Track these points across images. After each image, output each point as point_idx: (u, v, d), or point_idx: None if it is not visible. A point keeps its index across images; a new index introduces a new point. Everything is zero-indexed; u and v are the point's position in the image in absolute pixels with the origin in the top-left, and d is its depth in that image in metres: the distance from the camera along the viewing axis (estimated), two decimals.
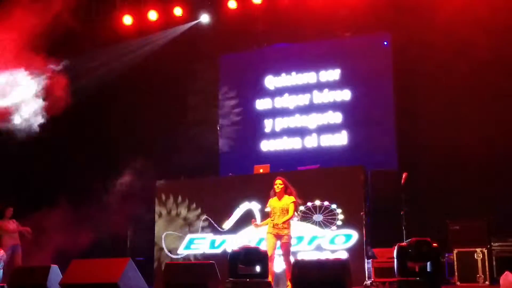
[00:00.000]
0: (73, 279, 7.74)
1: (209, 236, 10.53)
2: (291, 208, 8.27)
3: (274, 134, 12.25)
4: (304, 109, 12.11)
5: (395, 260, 6.85)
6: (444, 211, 9.72)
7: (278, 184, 8.41)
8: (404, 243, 6.97)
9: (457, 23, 10.21)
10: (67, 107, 10.24)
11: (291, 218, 8.28)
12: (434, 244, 6.84)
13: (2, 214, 10.48)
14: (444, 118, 10.64)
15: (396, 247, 6.90)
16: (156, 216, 10.93)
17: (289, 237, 8.31)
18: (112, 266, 7.72)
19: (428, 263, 6.76)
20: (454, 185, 10.16)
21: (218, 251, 10.31)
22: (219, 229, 10.21)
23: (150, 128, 12.31)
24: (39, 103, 10.21)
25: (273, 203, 8.41)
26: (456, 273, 8.84)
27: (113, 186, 11.55)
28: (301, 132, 12.03)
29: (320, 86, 12.04)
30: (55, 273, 8.07)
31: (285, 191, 8.41)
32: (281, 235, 8.26)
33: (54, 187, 11.65)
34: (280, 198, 8.39)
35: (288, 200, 8.33)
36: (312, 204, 10.05)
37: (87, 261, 8.05)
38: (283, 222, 8.23)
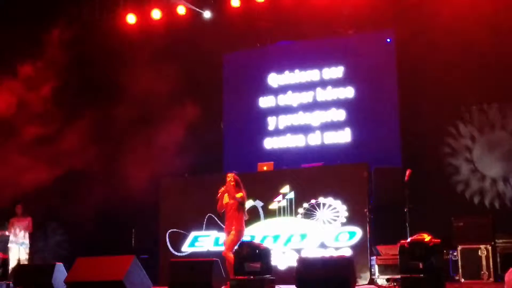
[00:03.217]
0: (78, 277, 7.76)
1: (213, 233, 10.55)
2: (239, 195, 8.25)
3: (277, 132, 12.25)
4: (307, 106, 12.11)
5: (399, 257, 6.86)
6: (448, 207, 9.72)
7: (228, 179, 8.38)
8: (406, 242, 6.97)
9: (461, 20, 10.19)
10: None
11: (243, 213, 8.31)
12: (437, 241, 6.85)
13: (13, 211, 10.61)
14: (448, 115, 10.62)
15: (399, 245, 6.91)
16: (161, 214, 10.95)
17: (237, 232, 8.25)
18: (117, 264, 7.74)
19: (432, 260, 6.76)
20: (458, 182, 10.14)
21: (223, 248, 10.31)
22: (223, 226, 10.20)
23: (154, 125, 12.31)
24: None
25: (225, 199, 8.42)
26: (460, 270, 8.83)
27: (118, 184, 11.59)
28: (305, 129, 12.03)
29: (323, 83, 12.04)
30: (60, 271, 8.10)
31: (236, 187, 8.35)
32: (230, 231, 8.32)
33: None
34: (231, 194, 8.34)
35: (237, 196, 8.28)
36: (316, 202, 10.07)
37: (92, 259, 8.06)
38: (235, 220, 8.24)
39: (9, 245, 10.61)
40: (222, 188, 8.43)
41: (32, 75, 11.47)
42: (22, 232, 10.69)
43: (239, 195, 8.29)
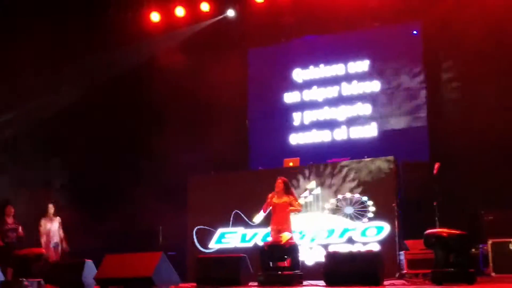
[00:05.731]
0: (108, 274, 7.84)
1: (240, 230, 10.56)
2: (295, 203, 8.55)
3: (303, 127, 12.19)
4: (333, 101, 12.03)
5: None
6: (478, 201, 9.57)
7: (278, 183, 8.64)
8: (435, 233, 6.89)
9: (489, 11, 9.99)
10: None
11: (297, 210, 8.61)
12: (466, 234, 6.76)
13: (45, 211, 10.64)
14: (477, 107, 10.45)
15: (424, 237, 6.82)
16: (188, 211, 11.00)
17: (289, 234, 8.43)
18: (145, 260, 7.80)
19: (463, 254, 6.68)
20: (488, 175, 9.97)
21: (250, 244, 10.34)
22: (250, 223, 10.20)
23: (180, 122, 12.36)
24: None
25: (274, 200, 8.61)
26: (490, 264, 8.71)
27: (146, 181, 11.69)
28: (330, 124, 11.96)
29: (348, 77, 11.94)
30: (90, 268, 8.20)
31: (285, 190, 8.58)
32: (279, 229, 8.43)
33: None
34: (279, 196, 8.55)
35: (288, 199, 8.53)
36: (343, 197, 10.01)
37: (121, 256, 8.13)
38: (285, 219, 8.45)
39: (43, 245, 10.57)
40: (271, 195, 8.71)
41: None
42: (55, 232, 10.70)
43: (298, 204, 8.68)
